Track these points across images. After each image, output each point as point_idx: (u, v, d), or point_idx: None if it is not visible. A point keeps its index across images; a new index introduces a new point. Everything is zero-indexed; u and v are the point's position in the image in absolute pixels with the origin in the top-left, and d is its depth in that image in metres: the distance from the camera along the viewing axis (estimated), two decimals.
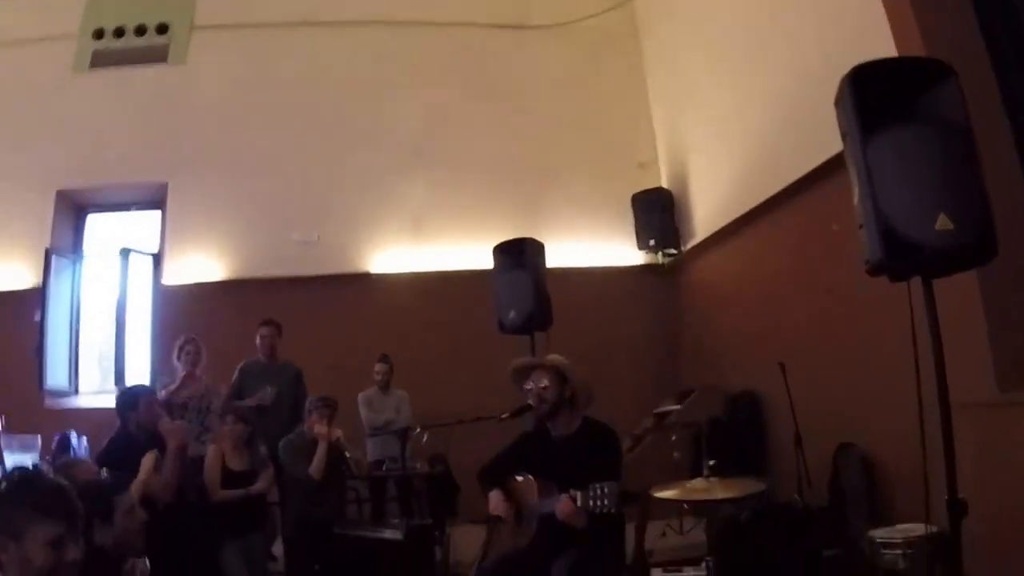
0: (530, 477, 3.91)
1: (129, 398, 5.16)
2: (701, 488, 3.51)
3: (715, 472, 3.39)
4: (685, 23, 8.68)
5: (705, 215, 8.34)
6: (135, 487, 4.40)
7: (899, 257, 2.85)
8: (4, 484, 2.23)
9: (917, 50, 4.51)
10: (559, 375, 4.00)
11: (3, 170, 8.51)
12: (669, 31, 9.21)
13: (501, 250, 6.89)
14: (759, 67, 7.09)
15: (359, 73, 9.32)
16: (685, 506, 5.55)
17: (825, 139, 5.52)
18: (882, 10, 4.97)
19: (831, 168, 5.66)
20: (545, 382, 3.99)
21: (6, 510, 2.14)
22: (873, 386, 5.33)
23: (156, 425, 5.02)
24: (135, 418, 5.08)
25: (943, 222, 2.77)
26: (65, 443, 6.95)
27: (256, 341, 6.88)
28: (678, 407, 7.78)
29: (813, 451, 5.32)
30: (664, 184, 9.21)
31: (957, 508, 2.90)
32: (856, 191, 2.98)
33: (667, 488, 3.80)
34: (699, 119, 8.55)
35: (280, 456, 5.76)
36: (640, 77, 9.82)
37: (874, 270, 2.96)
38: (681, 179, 8.92)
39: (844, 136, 3.07)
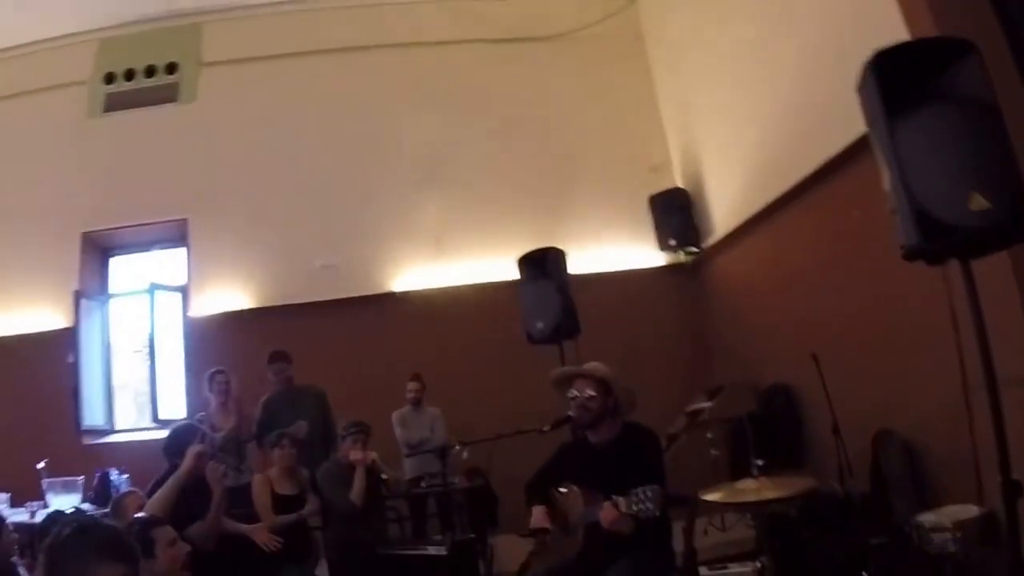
0: (575, 488, 3.87)
1: (176, 444, 5.13)
2: (751, 489, 3.43)
3: (764, 471, 3.31)
4: (688, 22, 8.63)
5: (724, 211, 8.26)
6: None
7: (936, 240, 2.78)
8: (64, 532, 2.22)
9: (930, 32, 4.44)
10: (603, 384, 3.95)
11: (28, 216, 8.63)
12: (673, 31, 9.17)
13: (525, 261, 6.87)
14: (767, 59, 7.00)
15: (369, 96, 9.32)
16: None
17: (840, 127, 5.53)
18: None
19: (849, 156, 5.63)
20: (590, 391, 3.93)
21: (71, 557, 2.14)
22: (908, 370, 5.27)
23: (203, 471, 5.04)
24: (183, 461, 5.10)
25: (977, 201, 2.71)
26: (106, 481, 7.00)
27: (271, 377, 6.90)
28: (710, 404, 7.71)
29: (851, 439, 5.21)
30: (680, 184, 9.15)
31: (1012, 489, 2.83)
32: (886, 177, 2.91)
33: (715, 491, 3.72)
34: (710, 116, 8.48)
35: (320, 485, 5.75)
36: (647, 79, 9.79)
37: (910, 255, 2.89)
38: (696, 177, 8.86)
39: (870, 123, 3.01)
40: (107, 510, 6.50)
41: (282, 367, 6.92)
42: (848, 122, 5.27)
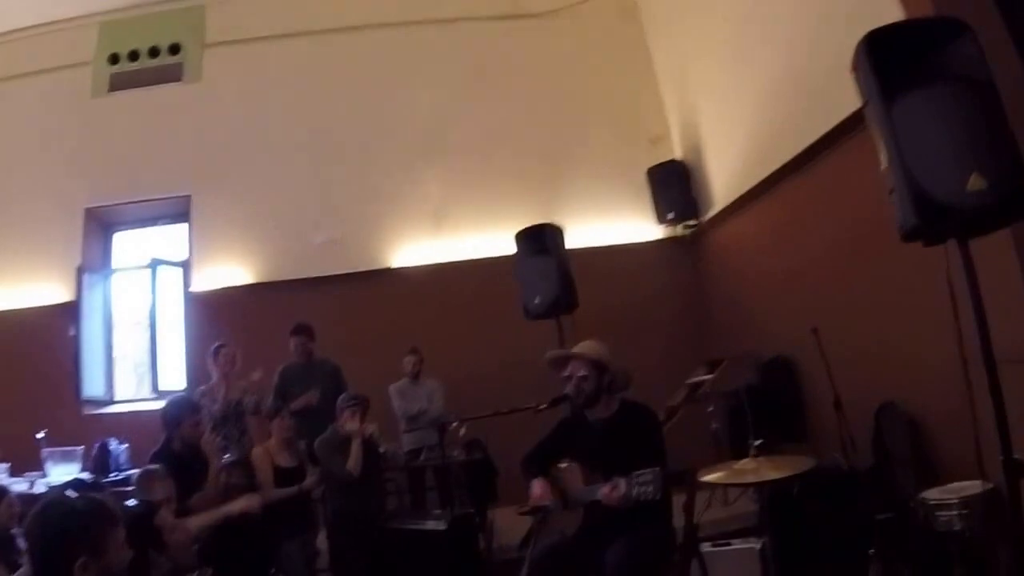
0: (574, 464, 3.85)
1: (173, 416, 5.16)
2: (749, 469, 3.38)
3: (762, 450, 3.26)
4: None
5: (723, 183, 8.16)
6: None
7: (934, 221, 2.73)
8: (81, 506, 2.24)
9: (925, 10, 4.36)
10: (596, 364, 3.92)
11: (33, 193, 8.63)
12: (668, 3, 9.03)
13: (523, 237, 6.84)
14: (765, 29, 6.87)
15: (368, 74, 9.28)
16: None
17: (840, 98, 5.42)
18: None
19: (850, 127, 5.53)
20: (583, 372, 3.91)
21: (91, 531, 2.18)
22: (910, 344, 5.19)
23: (199, 442, 5.04)
24: (179, 434, 5.10)
25: (975, 181, 2.65)
26: (105, 451, 7.03)
27: (291, 347, 6.91)
28: (710, 376, 7.69)
29: (853, 412, 5.18)
30: (678, 156, 9.05)
31: (1013, 468, 2.79)
32: (883, 157, 2.85)
33: (714, 471, 3.68)
34: (708, 88, 8.35)
35: (317, 454, 5.75)
36: (644, 52, 9.65)
37: (908, 236, 2.84)
38: (695, 150, 8.75)
39: (865, 102, 2.95)
40: (106, 478, 6.60)
41: (302, 340, 6.93)
42: (848, 94, 5.20)
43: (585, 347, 4.05)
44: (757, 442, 3.29)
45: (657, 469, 3.34)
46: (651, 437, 3.85)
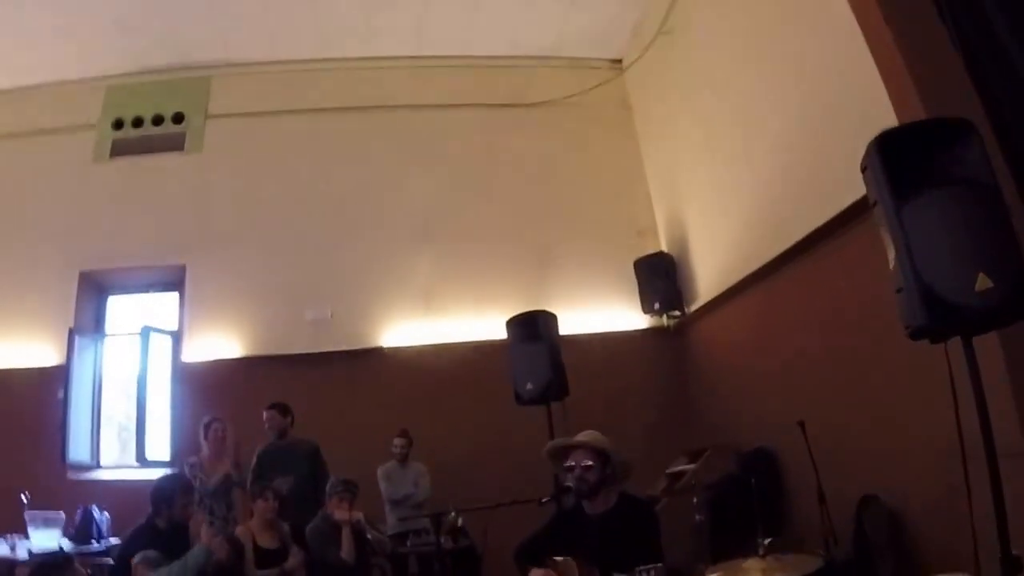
0: (570, 559, 3.66)
1: (167, 494, 5.02)
2: (758, 568, 3.26)
3: (772, 549, 3.15)
4: (675, 92, 8.70)
5: (708, 277, 8.24)
6: None
7: (942, 320, 2.75)
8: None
9: (915, 109, 4.45)
10: (600, 455, 3.84)
11: (29, 253, 8.54)
12: (659, 101, 9.24)
13: (515, 323, 6.81)
14: (752, 130, 7.04)
15: (366, 155, 9.36)
16: None
17: (825, 199, 5.58)
18: (875, 70, 4.90)
19: (834, 227, 5.64)
20: (588, 462, 3.82)
21: None
22: (894, 437, 5.17)
23: (187, 522, 4.92)
24: (167, 513, 4.97)
25: (983, 281, 2.69)
26: (88, 518, 6.82)
27: (264, 421, 6.82)
28: (692, 466, 7.63)
29: (834, 504, 5.08)
30: (665, 248, 9.16)
31: (1011, 565, 2.76)
32: (892, 256, 2.87)
33: (718, 570, 3.57)
34: (695, 183, 8.50)
35: (309, 542, 5.59)
36: (635, 146, 9.88)
37: (917, 334, 2.84)
38: (681, 243, 8.86)
39: (874, 203, 2.98)
40: (87, 546, 6.39)
41: (272, 415, 6.80)
42: (834, 193, 5.35)
43: (589, 436, 3.96)
44: (766, 541, 3.18)
45: (660, 566, 3.20)
46: (650, 534, 3.74)
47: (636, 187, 9.70)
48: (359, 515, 5.68)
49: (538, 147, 9.63)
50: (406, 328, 8.78)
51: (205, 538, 4.79)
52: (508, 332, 6.83)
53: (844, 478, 5.41)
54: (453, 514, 5.42)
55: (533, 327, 6.66)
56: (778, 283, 6.79)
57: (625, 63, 10.01)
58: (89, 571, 2.86)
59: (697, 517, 6.36)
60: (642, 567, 3.21)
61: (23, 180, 8.86)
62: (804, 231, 6.13)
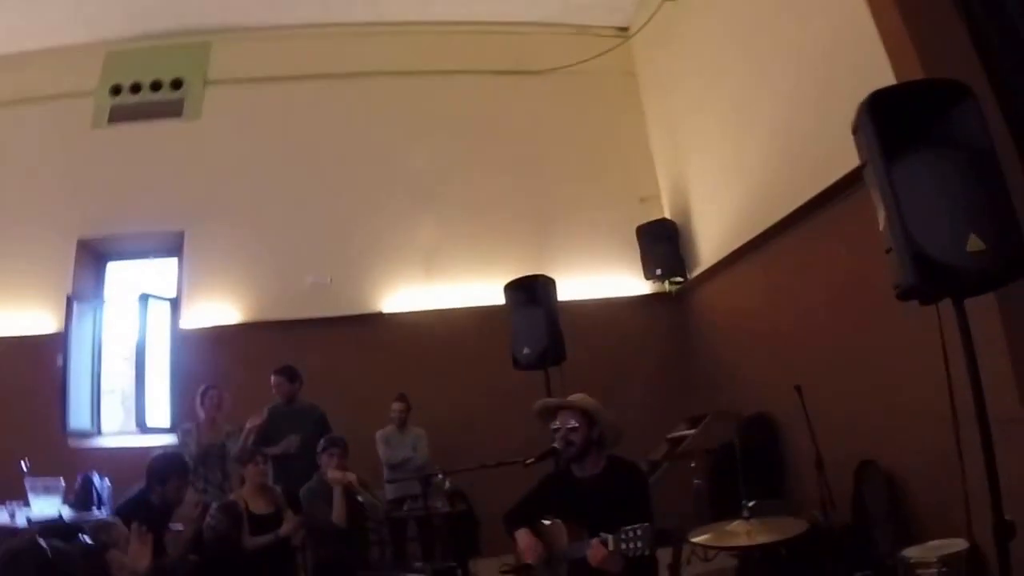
0: (559, 521, 3.68)
1: (161, 473, 4.98)
2: (742, 531, 3.25)
3: (755, 513, 3.15)
4: (680, 60, 8.64)
5: (709, 243, 8.22)
6: None
7: (932, 281, 2.70)
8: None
9: (915, 73, 4.39)
10: (587, 416, 3.80)
11: (27, 220, 8.48)
12: (663, 69, 9.17)
13: (513, 288, 6.79)
14: (755, 97, 7.01)
15: (368, 121, 9.27)
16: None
17: (826, 164, 5.53)
18: (877, 34, 4.86)
19: (836, 191, 5.63)
20: (573, 423, 3.77)
21: None
22: (892, 402, 5.18)
23: (178, 504, 4.91)
24: (160, 491, 4.95)
25: (974, 243, 2.64)
26: (88, 485, 6.77)
27: (272, 386, 6.80)
28: (692, 432, 7.63)
29: (832, 470, 5.07)
30: (667, 215, 9.12)
31: (1004, 530, 2.73)
32: (882, 217, 2.83)
33: (705, 532, 3.57)
34: (698, 150, 8.46)
35: (302, 502, 5.58)
36: (639, 113, 9.81)
37: (905, 294, 2.80)
38: (684, 209, 8.82)
39: (865, 163, 2.93)
40: (87, 513, 6.39)
41: (280, 381, 6.78)
42: (834, 160, 5.28)
43: (576, 398, 3.93)
44: (750, 503, 3.17)
45: (647, 525, 3.17)
46: (639, 496, 3.69)
47: (640, 154, 9.62)
48: (352, 476, 5.65)
49: (542, 113, 9.55)
50: (407, 293, 8.76)
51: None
52: (506, 297, 6.81)
53: (843, 443, 5.42)
54: (440, 476, 5.40)
55: (531, 292, 6.63)
56: (778, 249, 6.79)
57: (631, 30, 9.88)
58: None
59: (696, 482, 6.36)
60: (628, 527, 3.19)
61: (21, 146, 8.75)
62: (804, 198, 6.12)
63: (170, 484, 4.94)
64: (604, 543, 3.26)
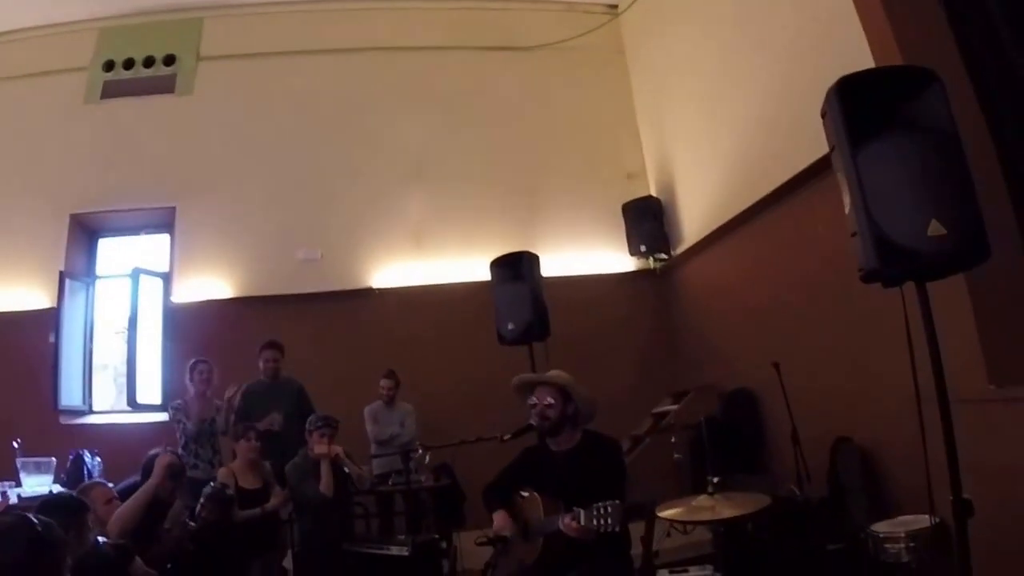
0: (535, 494, 3.75)
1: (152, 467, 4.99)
2: (706, 506, 3.33)
3: (720, 487, 3.22)
4: (668, 39, 8.63)
5: (693, 220, 8.25)
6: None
7: (894, 264, 2.72)
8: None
9: (894, 59, 4.43)
10: (562, 392, 3.85)
11: (19, 196, 8.45)
12: (651, 48, 9.17)
13: (498, 264, 6.80)
14: (739, 78, 7.04)
15: (358, 97, 9.24)
16: None
17: (808, 145, 5.51)
18: (858, 21, 4.90)
19: (815, 171, 5.67)
20: (549, 399, 3.83)
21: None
22: (868, 380, 5.27)
23: (171, 504, 4.91)
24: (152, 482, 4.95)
25: (935, 228, 2.65)
26: (79, 462, 6.79)
27: (259, 364, 6.79)
28: (675, 407, 7.69)
29: (810, 445, 5.20)
30: (653, 192, 9.13)
31: (962, 508, 2.78)
32: (847, 200, 2.85)
33: (672, 507, 3.63)
34: (684, 129, 8.48)
35: (288, 478, 5.63)
36: (626, 92, 9.80)
37: (868, 277, 2.83)
38: (669, 187, 8.84)
39: (832, 147, 2.96)
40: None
41: (274, 356, 6.80)
42: (816, 140, 5.26)
43: (552, 374, 3.99)
44: (715, 479, 3.24)
45: (617, 502, 3.23)
46: (613, 470, 3.75)
47: (627, 131, 9.65)
48: (338, 449, 5.70)
49: (530, 90, 9.55)
50: (396, 268, 8.79)
51: None
52: (491, 273, 6.83)
53: (820, 419, 5.52)
54: (420, 451, 5.44)
55: (516, 268, 6.64)
56: (760, 227, 6.86)
57: (620, 7, 9.86)
58: None
59: (676, 456, 6.41)
60: (599, 504, 3.24)
61: (13, 122, 8.71)
62: (783, 177, 6.19)
63: (164, 485, 4.94)
64: (576, 518, 3.34)
